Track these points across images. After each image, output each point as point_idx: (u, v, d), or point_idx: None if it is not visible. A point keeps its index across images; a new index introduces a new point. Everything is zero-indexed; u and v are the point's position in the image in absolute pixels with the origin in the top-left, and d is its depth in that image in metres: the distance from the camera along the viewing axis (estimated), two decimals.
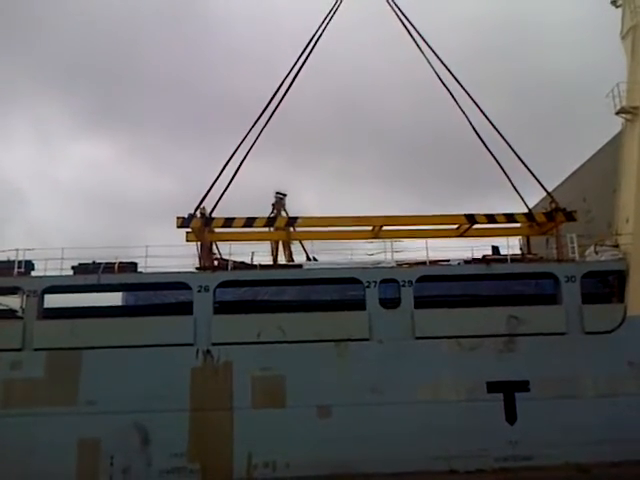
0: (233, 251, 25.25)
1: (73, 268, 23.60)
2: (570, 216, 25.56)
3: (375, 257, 25.34)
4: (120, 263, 23.56)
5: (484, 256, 24.68)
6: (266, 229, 26.72)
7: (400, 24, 27.41)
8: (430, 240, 25.15)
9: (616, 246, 24.59)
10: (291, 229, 26.97)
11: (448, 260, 24.62)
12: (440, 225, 27.04)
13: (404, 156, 65.56)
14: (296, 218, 26.28)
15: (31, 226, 60.41)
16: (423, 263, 24.11)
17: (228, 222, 25.15)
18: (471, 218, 25.82)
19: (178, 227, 24.46)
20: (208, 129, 68.29)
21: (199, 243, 24.93)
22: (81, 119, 71.93)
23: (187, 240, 24.93)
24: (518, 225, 26.81)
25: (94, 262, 23.51)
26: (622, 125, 26.36)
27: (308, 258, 27.85)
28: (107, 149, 72.51)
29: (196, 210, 24.72)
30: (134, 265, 23.99)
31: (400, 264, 23.98)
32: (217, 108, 66.53)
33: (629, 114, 25.60)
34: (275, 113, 26.05)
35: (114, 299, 25.64)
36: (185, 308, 22.79)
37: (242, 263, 24.65)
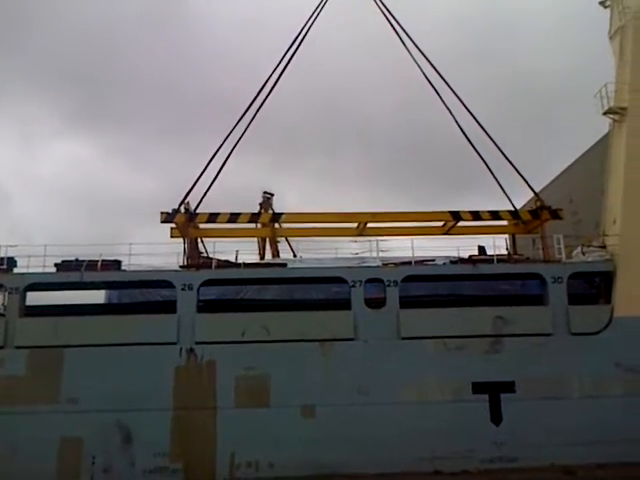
0: (218, 249, 25.28)
1: (56, 265, 23.43)
2: (555, 214, 25.57)
3: (360, 255, 25.30)
4: (103, 261, 23.40)
5: (470, 256, 24.54)
6: (251, 225, 26.72)
7: (387, 24, 27.37)
8: (416, 239, 25.12)
9: (603, 247, 24.53)
10: (276, 226, 26.90)
11: (434, 260, 24.51)
12: (425, 222, 27.16)
13: (388, 156, 65.99)
14: (280, 214, 26.24)
15: (14, 223, 60.52)
16: (409, 263, 23.98)
17: (212, 217, 25.14)
18: (456, 215, 25.89)
19: (162, 222, 24.47)
20: (190, 129, 69.13)
21: (185, 240, 24.81)
22: (63, 118, 72.42)
23: (172, 236, 24.86)
24: (504, 223, 26.97)
25: (77, 260, 23.36)
26: (610, 126, 26.32)
27: (294, 255, 27.83)
28: (89, 148, 73.21)
29: (180, 205, 24.75)
30: (118, 263, 23.81)
31: (386, 264, 23.82)
32: (199, 108, 67.24)
33: (617, 114, 25.55)
34: (260, 110, 25.98)
35: (97, 297, 25.35)
36: (168, 306, 22.61)
37: (226, 261, 24.48)
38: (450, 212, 25.90)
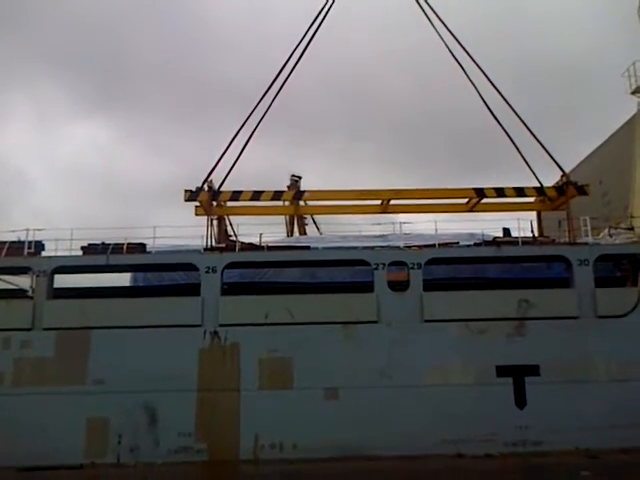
0: (244, 231, 25.54)
1: (82, 249, 23.72)
2: (582, 190, 25.16)
3: (383, 233, 25.40)
4: (129, 244, 23.61)
5: (494, 238, 24.27)
6: (274, 203, 26.94)
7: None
8: (439, 220, 24.88)
9: (631, 229, 24.08)
10: (300, 204, 27.13)
11: (457, 242, 24.30)
12: (449, 199, 27.07)
13: (407, 138, 65.22)
14: (303, 192, 26.31)
15: (35, 208, 61.11)
16: (432, 245, 23.81)
17: (236, 195, 25.48)
18: (480, 192, 25.76)
19: (186, 200, 24.80)
20: (206, 112, 68.77)
21: (208, 219, 25.14)
22: (80, 101, 72.89)
23: (196, 214, 25.29)
24: (529, 200, 26.73)
25: (103, 243, 23.59)
26: (638, 105, 25.69)
27: (320, 233, 28.24)
28: (106, 130, 73.33)
29: (204, 183, 25.01)
30: (143, 246, 24.04)
31: (409, 246, 23.68)
32: (215, 92, 66.80)
33: None
34: (279, 94, 25.91)
35: (123, 280, 25.65)
36: (193, 289, 22.79)
37: (250, 244, 24.57)
38: (474, 189, 25.78)
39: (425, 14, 26.82)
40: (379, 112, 62.40)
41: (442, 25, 26.45)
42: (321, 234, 30.08)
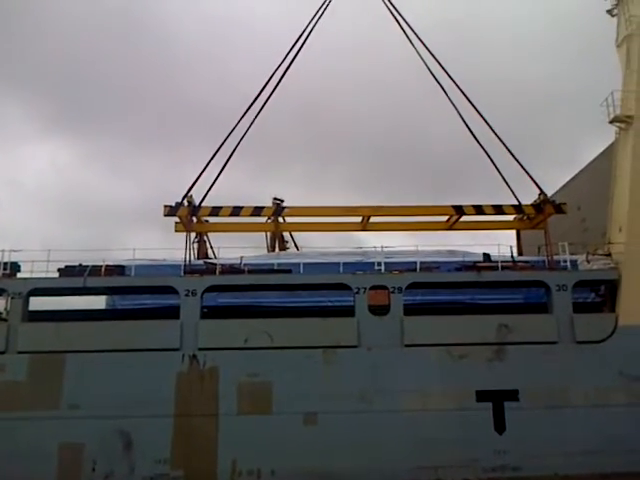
0: (223, 248, 25.77)
1: (59, 270, 23.38)
2: (559, 208, 25.80)
3: (364, 249, 25.99)
4: (107, 266, 23.34)
5: (475, 263, 24.43)
6: (255, 219, 27.22)
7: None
8: (420, 245, 25.06)
9: (608, 255, 24.40)
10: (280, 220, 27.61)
11: (438, 267, 24.40)
12: (428, 217, 27.58)
13: (378, 162, 65.47)
14: (283, 207, 26.28)
15: (2, 227, 59.65)
16: (413, 270, 23.87)
17: (215, 210, 25.72)
18: (459, 209, 26.18)
19: (165, 215, 24.94)
20: (171, 134, 68.09)
21: (188, 235, 25.16)
22: (38, 120, 70.88)
23: (176, 230, 25.54)
24: (508, 218, 27.37)
25: (80, 265, 23.29)
26: (616, 134, 26.20)
27: (297, 249, 28.45)
28: (68, 151, 71.92)
29: (183, 198, 25.07)
30: (121, 268, 23.77)
31: (390, 270, 23.72)
32: (180, 114, 66.44)
33: (623, 123, 25.45)
34: (256, 119, 26.24)
35: (100, 303, 25.30)
36: (172, 312, 22.53)
37: (230, 267, 24.42)
38: (453, 206, 26.21)
39: (403, 31, 27.52)
40: (347, 137, 62.66)
41: (421, 46, 27.01)
42: (298, 250, 30.23)
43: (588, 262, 24.39)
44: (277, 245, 29.80)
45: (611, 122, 25.78)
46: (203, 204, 25.53)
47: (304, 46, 27.19)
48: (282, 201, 29.17)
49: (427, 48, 26.97)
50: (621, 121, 25.49)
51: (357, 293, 22.77)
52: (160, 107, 67.63)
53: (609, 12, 28.19)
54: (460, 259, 25.80)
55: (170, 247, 24.48)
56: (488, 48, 60.82)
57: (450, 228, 27.54)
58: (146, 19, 65.48)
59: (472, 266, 24.25)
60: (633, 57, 25.83)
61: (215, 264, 24.26)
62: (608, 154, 28.29)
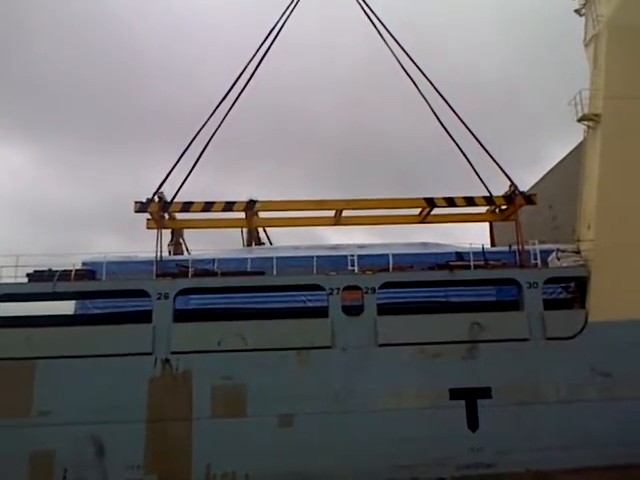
0: (196, 243, 26.29)
1: (28, 276, 23.01)
2: (529, 199, 26.08)
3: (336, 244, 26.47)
4: (77, 270, 23.03)
5: (447, 262, 24.58)
6: (227, 215, 27.11)
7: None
8: (394, 247, 25.13)
9: (578, 252, 24.69)
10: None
11: (412, 266, 24.50)
12: (400, 210, 27.66)
13: (338, 161, 65.43)
14: (255, 201, 26.13)
15: None
16: (386, 269, 23.95)
17: (186, 206, 25.42)
18: (431, 201, 26.32)
19: (136, 212, 24.65)
20: (130, 138, 66.69)
21: (159, 232, 25.05)
22: None
23: (147, 227, 25.37)
24: (480, 210, 27.71)
25: (50, 270, 22.94)
26: (584, 132, 26.54)
27: (270, 243, 28.95)
28: (22, 156, 69.91)
29: (154, 195, 24.83)
30: (92, 272, 23.47)
31: (363, 270, 23.76)
32: (138, 118, 65.45)
33: (591, 121, 25.77)
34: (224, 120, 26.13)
35: (70, 308, 24.97)
36: (143, 316, 22.31)
37: (204, 270, 24.26)
38: (424, 199, 26.35)
39: (373, 24, 27.54)
40: (309, 136, 62.62)
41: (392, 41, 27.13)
42: (271, 244, 30.34)
43: (558, 259, 24.64)
44: (252, 242, 29.89)
45: (579, 120, 26.09)
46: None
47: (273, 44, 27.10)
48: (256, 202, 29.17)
49: (401, 46, 26.89)
50: (589, 119, 25.80)
51: (330, 294, 22.76)
52: (121, 107, 66.65)
53: (577, 12, 28.55)
54: (433, 251, 26.19)
55: (141, 251, 24.07)
56: (445, 49, 61.08)
57: (422, 221, 27.76)
58: (101, 16, 64.15)
59: (445, 265, 24.40)
60: (600, 56, 26.15)
61: (187, 266, 24.03)
62: (577, 152, 28.66)
